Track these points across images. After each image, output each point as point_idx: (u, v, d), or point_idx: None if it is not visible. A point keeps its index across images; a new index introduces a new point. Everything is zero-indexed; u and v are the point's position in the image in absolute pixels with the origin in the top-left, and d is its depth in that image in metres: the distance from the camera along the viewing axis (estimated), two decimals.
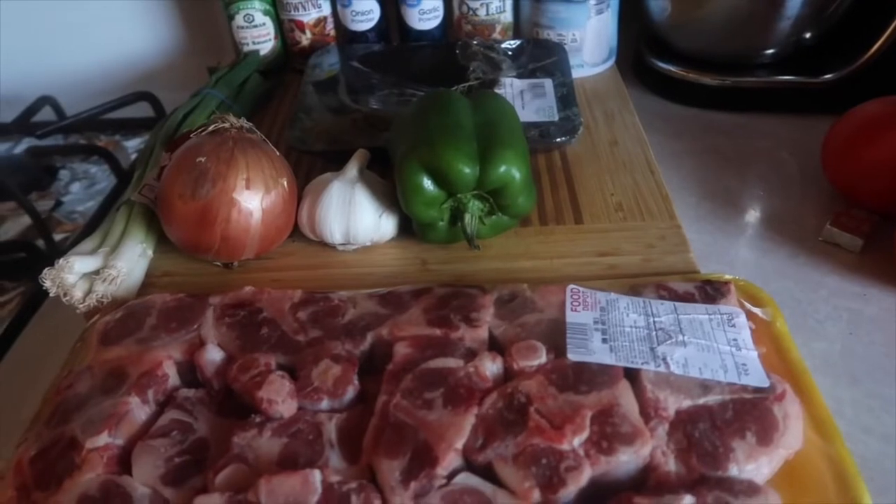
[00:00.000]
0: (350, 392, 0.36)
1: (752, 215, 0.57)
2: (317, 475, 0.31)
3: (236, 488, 0.32)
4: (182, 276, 0.49)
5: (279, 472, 0.32)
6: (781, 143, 0.65)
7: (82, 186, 0.74)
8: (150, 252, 0.49)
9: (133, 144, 0.80)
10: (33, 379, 0.43)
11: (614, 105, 0.67)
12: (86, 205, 0.71)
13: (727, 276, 0.43)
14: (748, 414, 0.34)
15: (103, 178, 0.75)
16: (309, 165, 0.59)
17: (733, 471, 0.32)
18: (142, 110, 0.80)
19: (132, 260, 0.46)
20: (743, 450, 0.32)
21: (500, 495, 0.31)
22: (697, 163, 0.63)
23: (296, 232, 0.50)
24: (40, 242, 0.63)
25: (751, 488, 0.31)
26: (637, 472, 0.32)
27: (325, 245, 0.49)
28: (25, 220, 0.67)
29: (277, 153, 0.48)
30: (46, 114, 0.81)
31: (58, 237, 0.65)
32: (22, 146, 0.80)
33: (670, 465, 0.32)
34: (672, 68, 0.72)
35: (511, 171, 0.44)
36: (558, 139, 0.57)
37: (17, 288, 0.59)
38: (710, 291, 0.41)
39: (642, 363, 0.36)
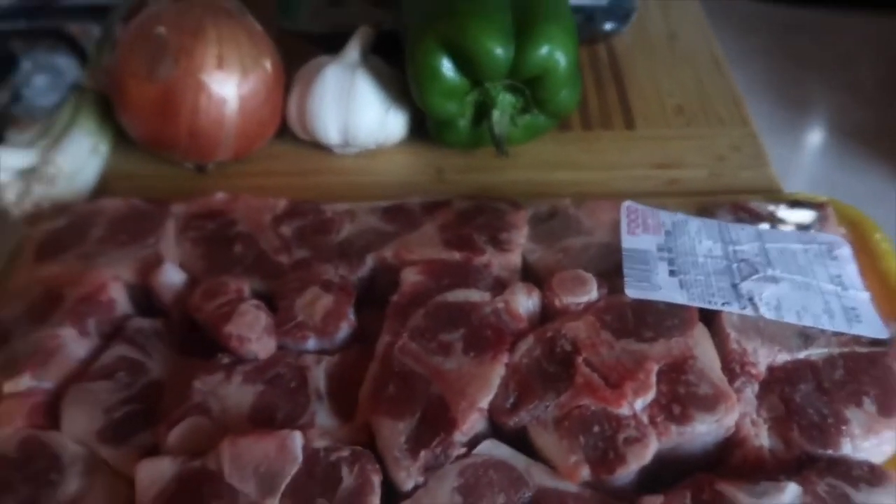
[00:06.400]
0: (344, 329, 0.31)
1: (840, 128, 0.50)
2: (297, 439, 0.26)
3: (194, 449, 0.26)
4: (147, 179, 0.43)
5: (249, 432, 0.26)
6: (875, 43, 0.56)
7: (47, 79, 0.65)
8: (103, 148, 0.43)
9: None
10: None
11: None
12: (50, 99, 0.62)
13: (822, 197, 0.36)
14: (864, 373, 0.29)
15: (73, 69, 0.66)
16: (304, 54, 0.50)
17: (846, 448, 0.26)
18: None
19: (79, 157, 0.40)
20: (859, 421, 0.27)
21: (536, 471, 0.26)
22: (772, 64, 0.55)
23: (284, 130, 0.44)
24: None
25: (874, 475, 0.25)
26: (715, 447, 0.27)
27: (318, 146, 0.44)
28: None
29: (259, 27, 0.41)
30: None
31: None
32: None
33: (762, 439, 0.27)
34: None
35: (555, 53, 0.38)
36: (607, 26, 0.51)
37: None
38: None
39: (723, 303, 0.30)
